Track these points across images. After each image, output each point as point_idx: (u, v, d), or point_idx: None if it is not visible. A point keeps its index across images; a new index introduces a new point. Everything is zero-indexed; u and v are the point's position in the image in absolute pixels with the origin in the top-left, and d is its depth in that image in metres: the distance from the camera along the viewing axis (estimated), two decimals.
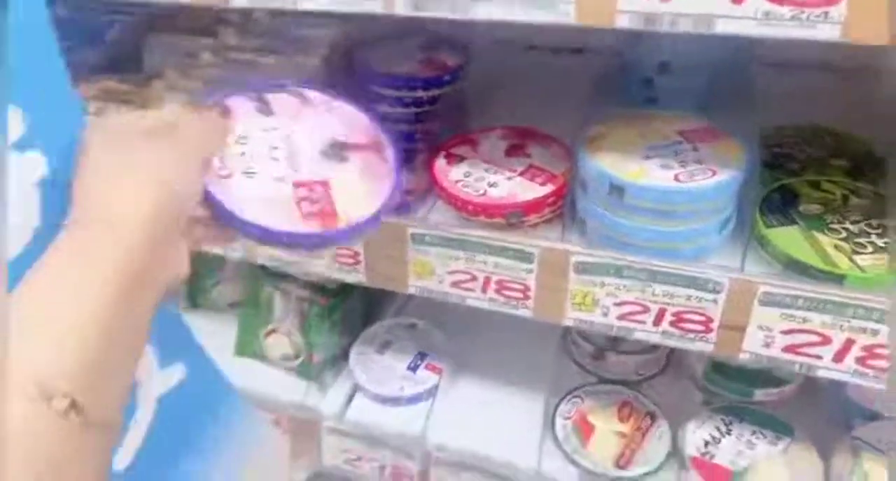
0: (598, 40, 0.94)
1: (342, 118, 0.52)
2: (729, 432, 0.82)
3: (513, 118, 0.86)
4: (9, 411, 0.32)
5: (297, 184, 0.47)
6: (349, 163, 0.49)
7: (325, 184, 0.47)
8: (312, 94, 0.52)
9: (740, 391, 0.87)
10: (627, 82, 0.90)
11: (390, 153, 0.51)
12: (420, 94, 0.88)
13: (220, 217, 0.44)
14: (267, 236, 0.44)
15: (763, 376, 0.87)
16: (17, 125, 0.38)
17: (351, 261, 0.75)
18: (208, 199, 0.43)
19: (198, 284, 1.12)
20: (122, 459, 0.47)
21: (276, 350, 1.00)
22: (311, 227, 0.45)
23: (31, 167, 0.40)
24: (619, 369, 0.96)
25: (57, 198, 0.40)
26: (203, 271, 1.11)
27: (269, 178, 0.46)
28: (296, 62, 0.89)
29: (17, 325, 0.33)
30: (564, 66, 1.04)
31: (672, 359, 0.97)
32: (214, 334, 1.07)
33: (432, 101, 0.88)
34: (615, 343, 0.95)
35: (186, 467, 0.54)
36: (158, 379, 0.49)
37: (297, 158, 0.48)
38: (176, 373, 0.52)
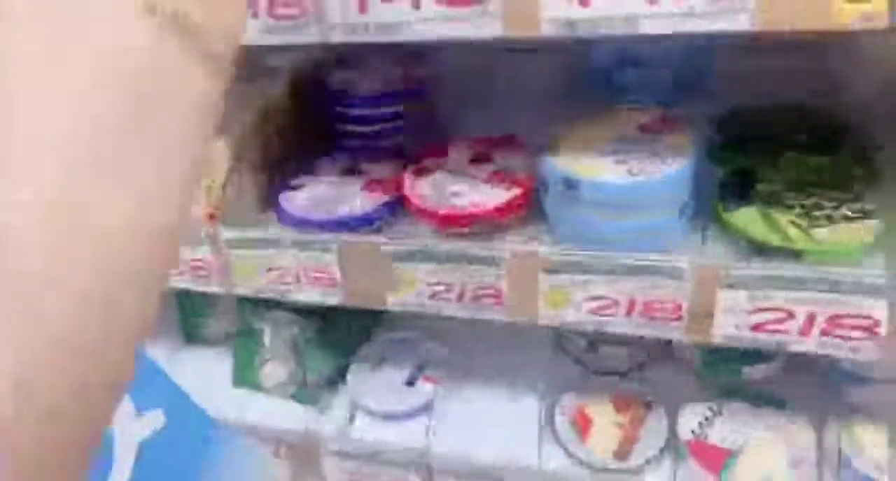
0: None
1: None
2: (721, 412, 0.83)
3: (480, 124, 0.87)
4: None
5: None
6: None
7: None
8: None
9: (731, 370, 0.88)
10: (590, 78, 0.91)
11: None
12: (384, 110, 0.89)
13: None
14: None
15: (751, 353, 0.87)
16: None
17: (328, 282, 0.77)
18: None
19: (192, 319, 1.14)
20: None
21: (272, 378, 1.01)
22: None
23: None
24: (614, 360, 0.97)
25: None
26: (196, 306, 1.13)
27: None
28: (260, 90, 0.90)
29: None
30: (527, 66, 1.05)
31: (665, 345, 0.98)
32: (213, 367, 1.09)
33: (397, 117, 0.90)
34: (607, 334, 0.96)
35: None
36: (137, 426, 0.50)
37: None
38: (154, 419, 0.53)
